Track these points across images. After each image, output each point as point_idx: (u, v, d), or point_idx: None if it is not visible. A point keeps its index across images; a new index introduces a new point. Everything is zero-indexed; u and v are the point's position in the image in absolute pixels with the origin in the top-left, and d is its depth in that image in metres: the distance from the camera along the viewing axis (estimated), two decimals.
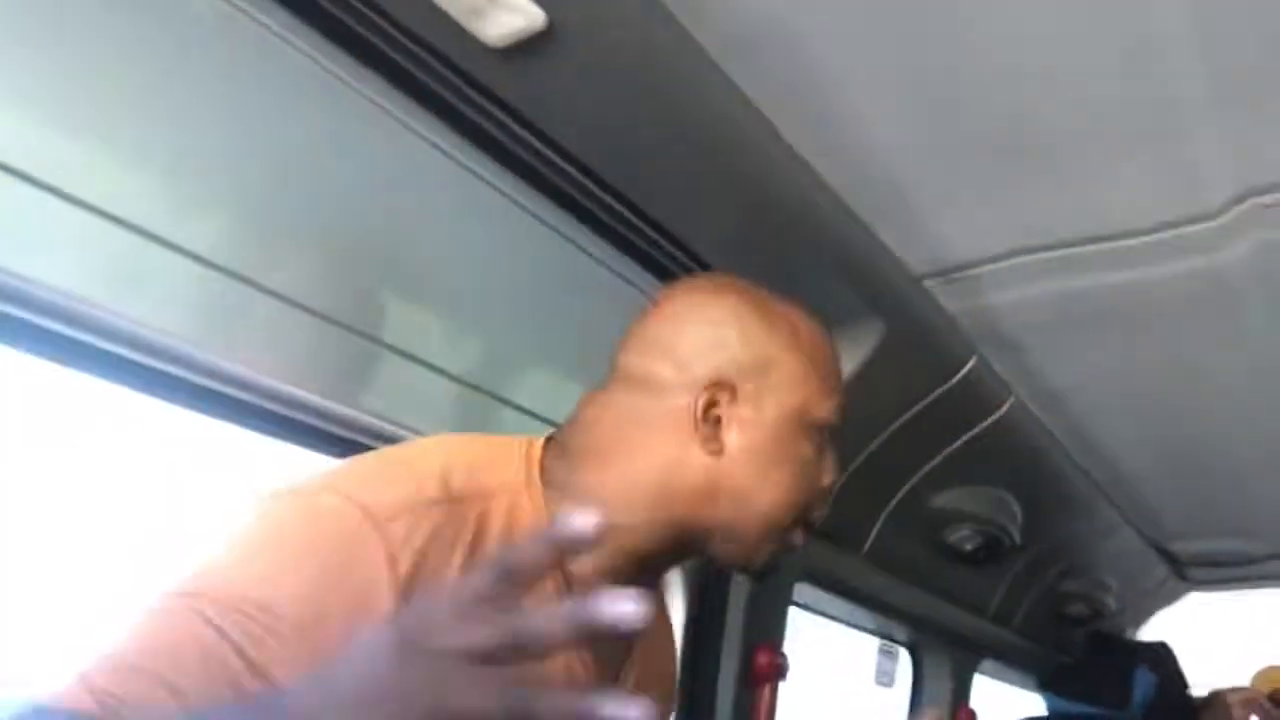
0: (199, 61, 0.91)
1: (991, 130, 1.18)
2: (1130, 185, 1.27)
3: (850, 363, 1.57)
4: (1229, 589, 3.18)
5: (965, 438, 1.85)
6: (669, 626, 1.08)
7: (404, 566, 0.68)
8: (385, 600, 0.66)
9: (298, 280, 1.00)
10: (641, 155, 1.17)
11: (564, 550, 0.48)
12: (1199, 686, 3.04)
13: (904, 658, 2.43)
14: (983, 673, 2.72)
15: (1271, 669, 2.84)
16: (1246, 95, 1.09)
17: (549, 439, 0.87)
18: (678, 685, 1.08)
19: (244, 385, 0.99)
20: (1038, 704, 3.00)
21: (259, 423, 1.05)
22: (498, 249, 1.25)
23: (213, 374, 0.96)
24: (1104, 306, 1.55)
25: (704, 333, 0.87)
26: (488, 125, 1.07)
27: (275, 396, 1.01)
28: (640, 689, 0.89)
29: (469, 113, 1.05)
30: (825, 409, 0.88)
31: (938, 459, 1.88)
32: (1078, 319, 1.60)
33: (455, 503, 0.74)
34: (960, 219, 1.37)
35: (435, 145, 1.10)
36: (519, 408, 1.31)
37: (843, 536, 1.86)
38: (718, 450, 0.84)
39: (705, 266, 1.41)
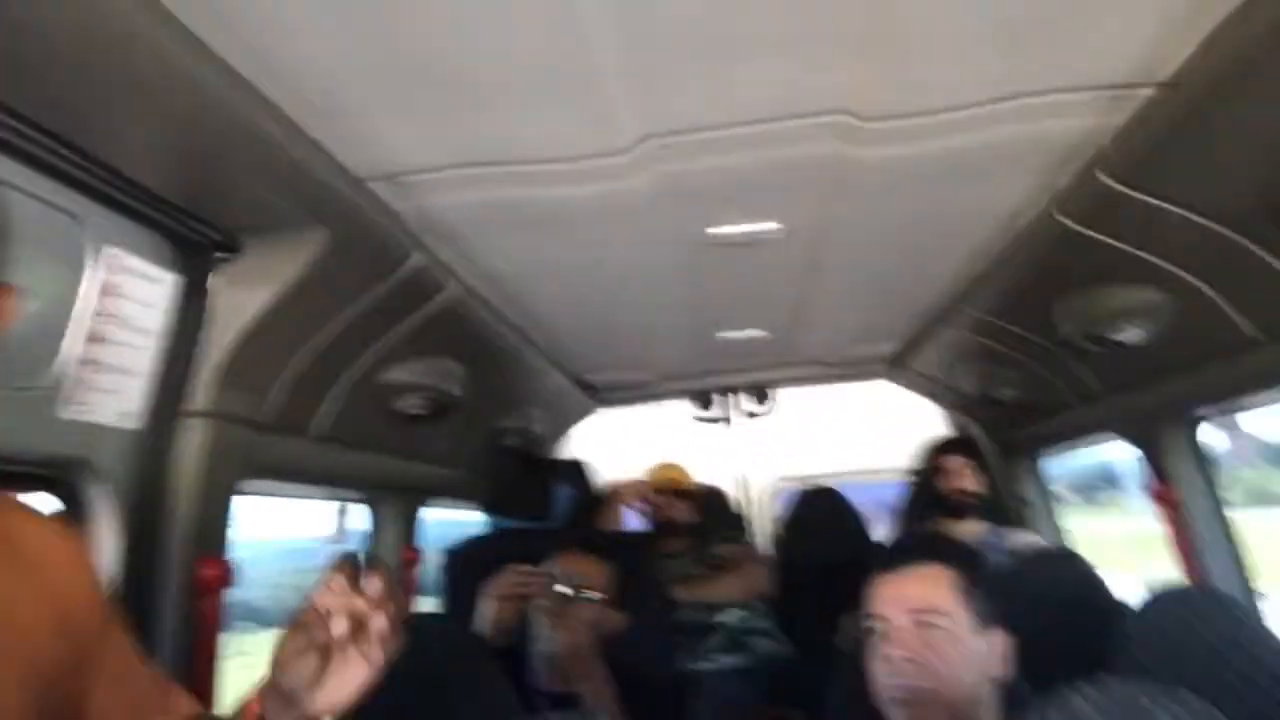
0: None
1: (428, 61, 1.20)
2: (553, 122, 1.38)
3: (296, 263, 1.53)
4: (631, 405, 3.85)
5: (414, 320, 1.93)
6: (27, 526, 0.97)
7: None
8: None
9: None
10: (32, 62, 0.97)
11: None
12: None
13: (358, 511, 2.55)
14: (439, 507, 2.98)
15: (661, 466, 3.51)
16: (651, 57, 1.24)
17: None
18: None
19: None
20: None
21: None
22: None
23: None
24: (532, 213, 1.70)
25: None
26: None
27: None
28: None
29: None
30: None
31: (387, 341, 1.94)
32: (509, 221, 1.74)
33: None
34: (400, 132, 1.38)
35: None
36: None
37: (294, 426, 1.84)
38: None
39: (124, 179, 1.25)
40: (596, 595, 2.35)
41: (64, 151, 1.17)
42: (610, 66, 1.24)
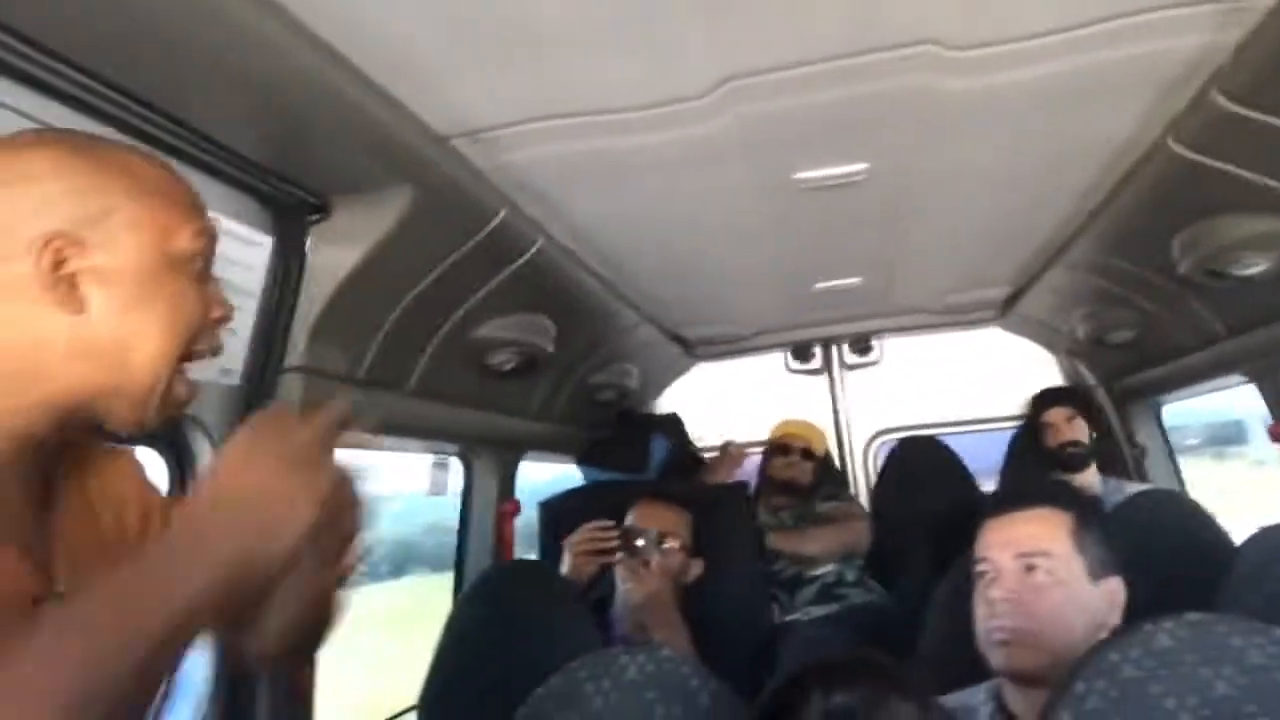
0: None
1: (503, 13, 1.19)
2: (628, 69, 1.36)
3: (385, 222, 1.57)
4: (726, 359, 3.83)
5: (501, 276, 1.95)
6: (106, 473, 0.97)
7: None
8: None
9: None
10: (123, 35, 1.01)
11: None
12: (710, 439, 3.71)
13: (455, 466, 2.63)
14: (532, 460, 3.05)
15: (787, 421, 3.50)
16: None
17: None
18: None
19: None
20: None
21: None
22: None
23: None
24: (613, 163, 1.68)
25: (25, 191, 0.77)
26: None
27: None
28: (81, 561, 0.85)
29: None
30: (185, 239, 0.84)
31: (477, 298, 1.97)
32: (592, 172, 1.73)
33: None
34: (480, 87, 1.38)
35: None
36: None
37: (389, 381, 1.90)
38: (79, 309, 0.78)
39: (219, 145, 1.30)
40: (673, 544, 2.39)
41: (162, 121, 1.21)
42: (685, 7, 1.21)
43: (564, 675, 1.24)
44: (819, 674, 1.04)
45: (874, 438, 3.83)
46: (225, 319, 0.89)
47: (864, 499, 3.67)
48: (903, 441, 3.56)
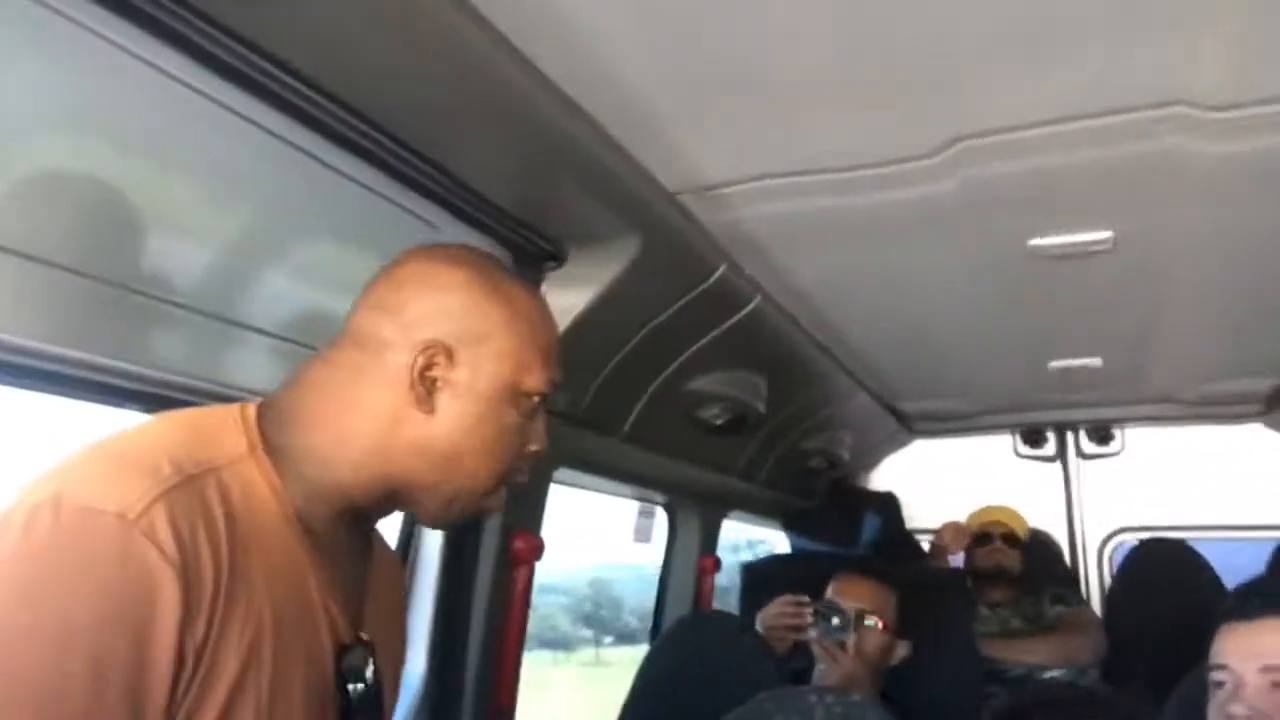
0: None
1: (731, 71, 1.24)
2: (858, 127, 1.38)
3: (612, 271, 1.66)
4: (947, 438, 3.67)
5: (717, 331, 2.00)
6: (395, 563, 1.13)
7: (170, 551, 0.69)
8: (171, 595, 0.69)
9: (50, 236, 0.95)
10: (394, 89, 1.16)
11: None
12: (922, 520, 3.55)
13: (661, 516, 2.68)
14: (736, 520, 3.05)
15: (988, 508, 3.27)
16: (957, 60, 1.20)
17: (262, 403, 0.89)
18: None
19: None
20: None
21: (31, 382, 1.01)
22: (272, 189, 1.21)
23: None
24: (838, 222, 1.69)
25: (432, 299, 0.90)
26: (236, 62, 1.02)
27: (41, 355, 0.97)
28: (379, 622, 0.97)
29: (212, 48, 0.99)
30: (536, 381, 0.93)
31: (692, 351, 2.02)
32: (816, 231, 1.74)
33: (191, 480, 0.75)
34: (710, 145, 1.44)
35: (187, 84, 1.03)
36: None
37: (603, 423, 1.99)
38: (430, 411, 0.87)
39: (473, 192, 1.43)
40: (875, 623, 2.24)
41: (426, 168, 1.36)
42: (916, 65, 1.21)
43: (751, 706, 1.23)
44: (1041, 707, 0.96)
45: (1111, 536, 3.51)
46: (539, 454, 0.98)
47: (1096, 603, 3.36)
48: (1145, 543, 3.23)
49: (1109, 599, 3.31)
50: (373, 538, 1.01)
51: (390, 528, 1.64)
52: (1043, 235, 1.76)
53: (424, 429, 0.88)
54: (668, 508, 2.69)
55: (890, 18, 1.11)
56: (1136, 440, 3.53)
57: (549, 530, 1.86)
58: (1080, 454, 3.63)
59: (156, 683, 0.68)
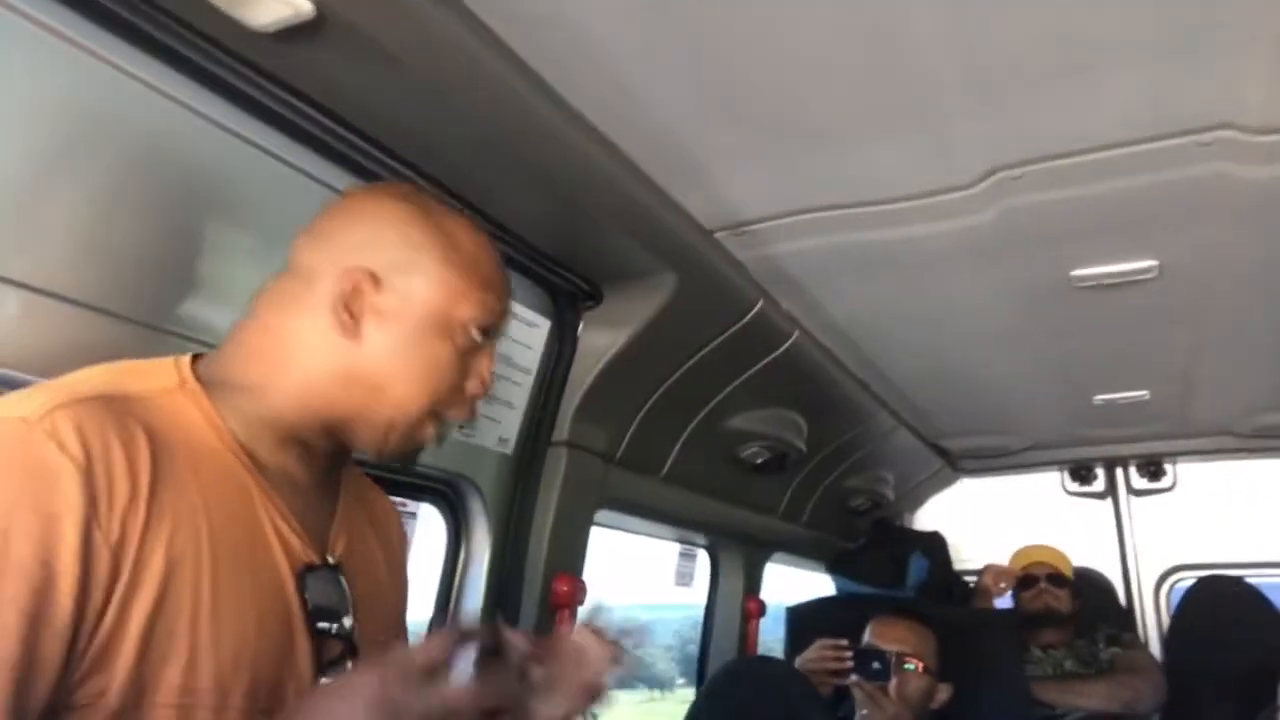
0: None
1: (766, 105, 1.25)
2: (893, 159, 1.37)
3: (648, 310, 1.66)
4: (994, 475, 3.60)
5: (755, 368, 1.99)
6: (388, 508, 1.10)
7: (73, 450, 0.70)
8: (71, 489, 0.69)
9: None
10: (435, 129, 1.17)
11: None
12: (970, 561, 3.47)
13: (702, 558, 2.64)
14: (779, 562, 3.00)
15: (1031, 548, 3.18)
16: (993, 87, 1.20)
17: (206, 353, 0.90)
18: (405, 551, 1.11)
19: None
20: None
21: None
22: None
23: None
24: (875, 256, 1.68)
25: (365, 228, 0.90)
26: (272, 103, 1.05)
27: None
28: (351, 552, 0.94)
29: (248, 89, 1.02)
30: (470, 310, 0.91)
31: (730, 388, 2.01)
32: (853, 266, 1.73)
33: (108, 399, 0.76)
34: (745, 181, 1.45)
35: (229, 129, 1.06)
36: None
37: (643, 463, 1.97)
38: (356, 337, 0.87)
39: (510, 233, 1.44)
40: (915, 666, 2.21)
41: (470, 214, 1.38)
42: (950, 94, 1.21)
43: None
44: None
45: (1167, 574, 3.40)
46: (478, 395, 0.96)
47: (1153, 644, 3.24)
48: (1204, 580, 3.13)
49: (1168, 639, 3.20)
50: (350, 478, 1.00)
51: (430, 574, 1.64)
52: (1085, 265, 1.73)
53: (350, 356, 0.87)
54: (710, 550, 2.66)
55: (925, 46, 1.11)
56: (1189, 475, 3.43)
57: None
58: (1131, 490, 3.53)
59: (62, 570, 0.67)
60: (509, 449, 1.67)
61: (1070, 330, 2.09)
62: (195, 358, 0.88)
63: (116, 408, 0.75)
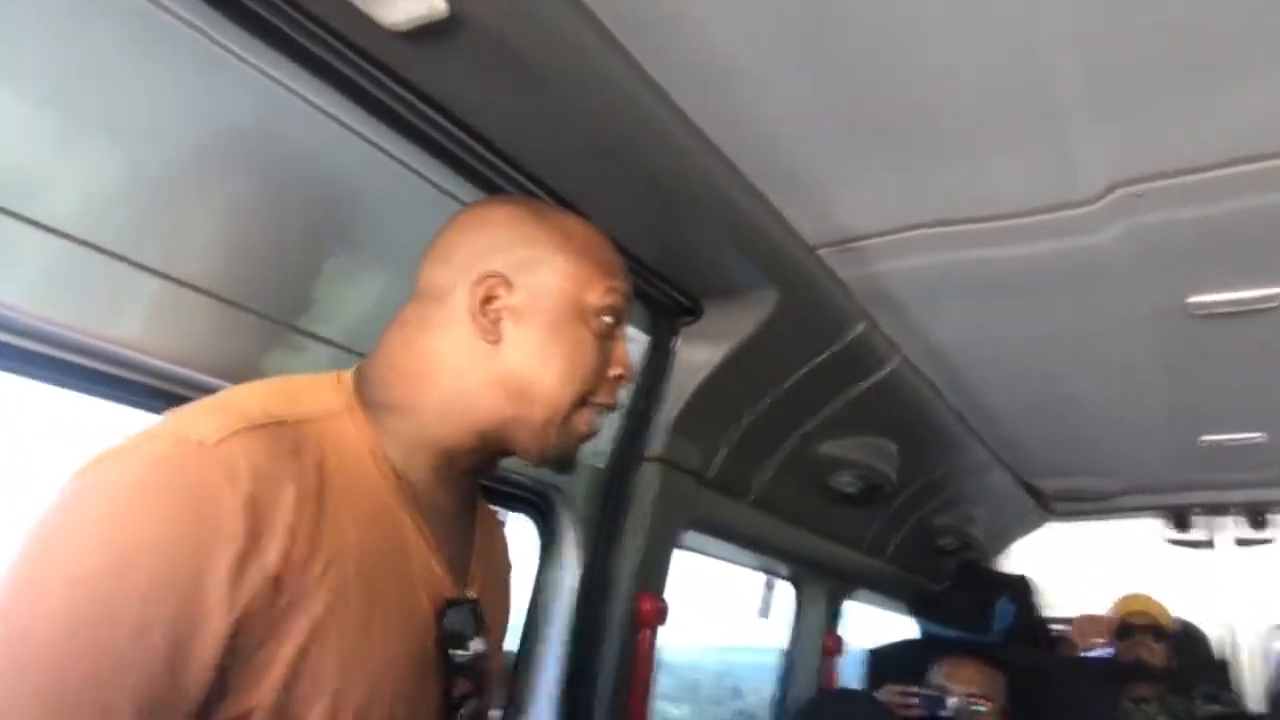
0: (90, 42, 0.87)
1: (883, 115, 1.22)
2: (1012, 172, 1.33)
3: (747, 327, 1.64)
4: (1087, 520, 3.46)
5: (852, 393, 1.95)
6: (498, 527, 1.10)
7: (242, 479, 0.70)
8: (234, 520, 0.69)
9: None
10: (549, 136, 1.18)
11: None
12: (1056, 608, 3.33)
13: (779, 590, 2.58)
14: (859, 600, 2.92)
15: (1130, 597, 3.03)
16: (1118, 97, 1.16)
17: (357, 369, 0.90)
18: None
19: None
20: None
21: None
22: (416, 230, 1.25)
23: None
24: (985, 276, 1.64)
25: (480, 238, 0.91)
26: (395, 104, 1.07)
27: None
28: (485, 583, 0.95)
29: (373, 90, 1.04)
30: (599, 294, 0.92)
31: (825, 412, 1.97)
32: (961, 286, 1.69)
33: (282, 424, 0.76)
34: (853, 195, 1.42)
35: (344, 124, 1.09)
36: None
37: (731, 486, 1.94)
38: (497, 340, 0.88)
39: (627, 252, 1.44)
40: (985, 708, 2.20)
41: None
42: (1074, 104, 1.18)
43: None
44: None
45: (1274, 630, 3.21)
46: (623, 378, 0.97)
47: (1254, 706, 3.06)
48: None
49: (1273, 700, 3.01)
50: (482, 502, 1.00)
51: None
52: (1204, 292, 1.66)
53: (496, 361, 0.88)
54: (793, 580, 2.60)
55: (1053, 49, 1.08)
56: None
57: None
58: (1235, 540, 3.36)
59: (210, 600, 0.68)
60: (602, 462, 1.66)
61: (1182, 363, 2.00)
62: (358, 370, 0.90)
63: (288, 436, 0.76)
